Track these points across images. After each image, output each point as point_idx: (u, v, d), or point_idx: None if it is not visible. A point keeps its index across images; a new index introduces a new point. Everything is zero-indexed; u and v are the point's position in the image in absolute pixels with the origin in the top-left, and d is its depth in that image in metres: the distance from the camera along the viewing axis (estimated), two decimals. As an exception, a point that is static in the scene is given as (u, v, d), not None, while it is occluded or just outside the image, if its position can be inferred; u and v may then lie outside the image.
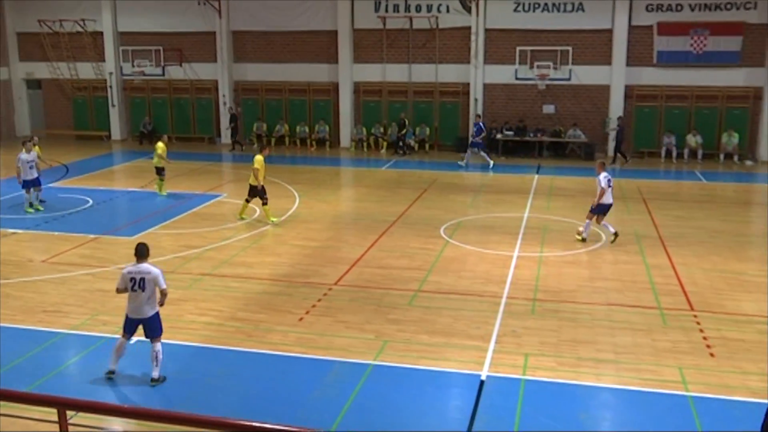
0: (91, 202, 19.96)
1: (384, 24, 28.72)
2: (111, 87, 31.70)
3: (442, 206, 19.49)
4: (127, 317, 9.59)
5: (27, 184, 18.75)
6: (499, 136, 27.66)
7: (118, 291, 9.62)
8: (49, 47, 32.05)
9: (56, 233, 16.79)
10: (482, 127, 25.33)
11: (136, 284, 9.41)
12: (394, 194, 21.07)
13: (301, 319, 11.66)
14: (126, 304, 9.63)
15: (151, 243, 15.62)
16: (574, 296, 12.68)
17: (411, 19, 28.48)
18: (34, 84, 33.55)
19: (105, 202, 20.17)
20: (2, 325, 11.36)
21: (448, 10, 28.15)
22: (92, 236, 16.53)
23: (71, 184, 22.38)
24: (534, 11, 27.35)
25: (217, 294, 12.79)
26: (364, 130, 29.37)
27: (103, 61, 31.73)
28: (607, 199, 15.62)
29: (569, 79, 27.29)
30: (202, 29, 30.48)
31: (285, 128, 30.20)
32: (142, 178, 23.22)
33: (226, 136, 30.65)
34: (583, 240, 15.90)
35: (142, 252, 9.50)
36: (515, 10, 27.48)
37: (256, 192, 17.52)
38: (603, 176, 15.56)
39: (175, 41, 30.93)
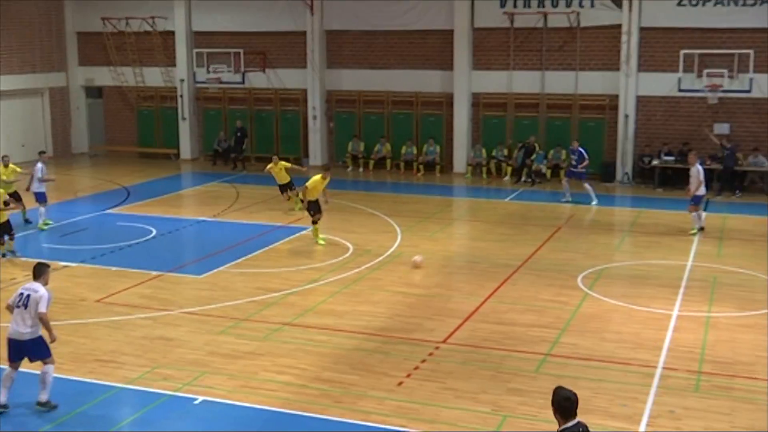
0: (154, 232, 20.81)
1: (511, 22, 28.85)
2: (182, 96, 33.09)
3: (581, 249, 19.22)
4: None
5: (41, 198, 21.27)
6: (655, 162, 27.10)
7: (8, 308, 10.95)
8: (112, 49, 33.84)
9: (113, 268, 17.57)
10: (583, 153, 24.94)
11: (21, 300, 10.79)
12: (519, 232, 20.95)
13: (400, 383, 11.72)
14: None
15: (222, 284, 16.35)
16: (753, 370, 12.20)
17: (545, 15, 28.48)
18: (94, 92, 35.43)
19: (171, 233, 20.98)
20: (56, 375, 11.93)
21: (592, 5, 27.99)
22: (154, 273, 17.20)
23: (132, 211, 23.39)
24: (704, 5, 26.83)
25: (298, 348, 13.03)
26: (484, 152, 29.41)
27: (174, 65, 33.21)
28: (702, 190, 20.57)
29: (749, 91, 26.50)
30: (290, 29, 31.47)
31: (386, 148, 30.64)
32: (214, 206, 24.03)
33: (315, 157, 31.36)
34: (701, 229, 20.53)
35: (39, 272, 10.97)
36: (679, 3, 27.03)
37: (315, 206, 19.41)
38: (698, 167, 20.55)
39: (258, 43, 32.05)
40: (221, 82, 31.90)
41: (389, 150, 30.64)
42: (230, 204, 24.40)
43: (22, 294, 10.83)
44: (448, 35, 29.64)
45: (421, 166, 29.92)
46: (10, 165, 21.28)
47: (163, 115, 33.94)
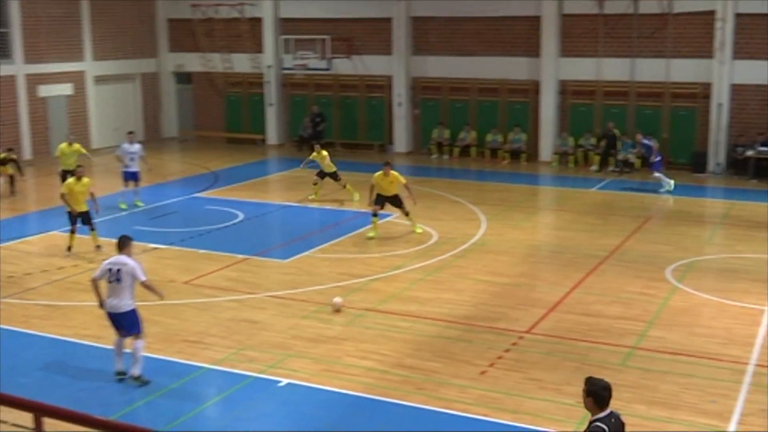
0: (241, 216, 21.15)
1: (601, 8, 28.33)
2: (268, 82, 33.49)
3: (670, 241, 18.81)
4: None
5: (127, 176, 22.07)
6: (749, 153, 26.31)
7: (93, 281, 11.35)
8: (201, 36, 34.43)
9: (201, 251, 17.93)
10: (649, 145, 24.76)
11: (112, 275, 11.14)
12: (606, 223, 20.62)
13: (483, 372, 11.67)
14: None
15: (307, 268, 16.53)
16: None
17: (636, 1, 27.87)
18: (183, 78, 36.12)
19: (257, 217, 21.29)
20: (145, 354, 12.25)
21: (686, -10, 27.29)
22: (241, 257, 17.50)
23: (219, 195, 23.82)
24: (806, -11, 25.89)
25: (381, 334, 13.09)
26: (571, 140, 29.00)
27: (261, 52, 33.63)
28: None
29: None
30: (376, 15, 31.52)
31: (471, 136, 30.48)
32: (299, 191, 24.28)
33: (400, 144, 31.42)
34: None
35: (123, 244, 11.40)
36: (778, -12, 26.15)
37: (380, 200, 19.09)
38: None
39: (344, 29, 32.19)
40: (307, 69, 32.17)
41: (474, 137, 30.46)
42: (316, 189, 24.61)
43: (111, 269, 11.20)
44: (535, 21, 29.26)
45: (506, 154, 29.67)
46: (75, 145, 22.27)
47: (250, 101, 34.40)
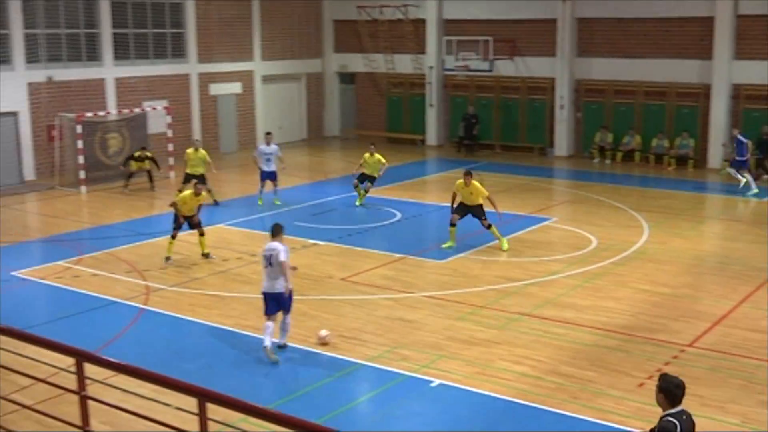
0: (399, 216, 21.37)
1: (781, 8, 26.93)
2: (430, 83, 33.68)
3: None
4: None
5: (263, 176, 22.32)
6: None
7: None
8: (366, 36, 35.01)
9: (359, 249, 18.23)
10: (743, 141, 24.21)
11: (266, 261, 12.16)
12: (779, 235, 19.57)
13: (641, 384, 11.32)
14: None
15: (462, 270, 16.52)
16: None
17: (821, 1, 26.33)
18: (347, 78, 36.85)
19: (415, 217, 21.45)
20: (296, 346, 12.60)
21: None
22: (398, 256, 17.67)
23: (379, 194, 24.12)
24: None
25: (536, 340, 12.92)
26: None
27: (424, 53, 33.85)
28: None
29: None
30: (540, 16, 31.13)
31: (636, 140, 29.62)
32: (457, 192, 24.27)
33: (560, 147, 30.95)
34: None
35: (277, 231, 12.42)
36: None
37: (460, 209, 18.26)
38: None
39: (508, 31, 31.96)
40: (469, 70, 32.17)
41: (639, 142, 29.59)
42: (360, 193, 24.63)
43: (265, 255, 12.24)
44: (707, 22, 28.11)
45: (672, 160, 28.66)
46: (200, 150, 22.38)
47: (411, 102, 34.70)
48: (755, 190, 23.79)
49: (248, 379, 11.50)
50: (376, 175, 22.75)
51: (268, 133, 23.36)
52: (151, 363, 11.03)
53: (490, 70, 32.06)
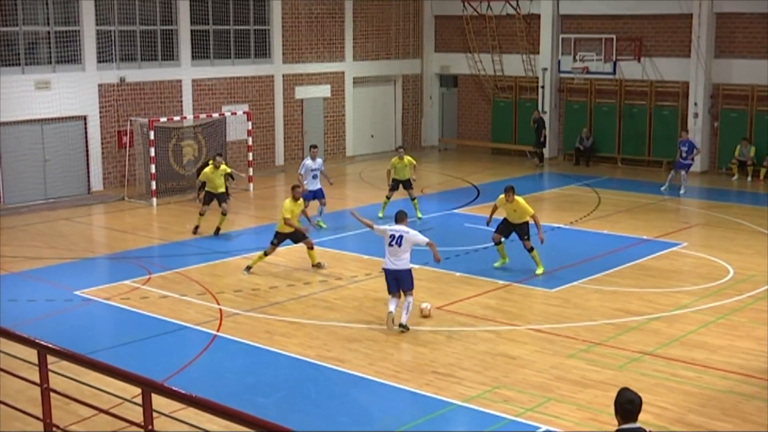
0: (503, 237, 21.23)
1: None
2: (543, 87, 33.50)
3: None
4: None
5: (307, 196, 21.23)
6: None
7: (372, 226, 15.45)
8: (471, 34, 35.04)
9: (458, 274, 18.22)
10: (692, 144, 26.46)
11: (394, 240, 14.66)
12: None
13: (783, 439, 10.99)
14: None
15: (576, 301, 16.37)
16: None
17: None
18: (448, 81, 36.96)
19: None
20: (384, 381, 12.66)
21: None
22: (501, 282, 17.60)
23: (481, 212, 23.98)
24: None
25: (660, 384, 12.67)
26: None
27: (537, 53, 33.72)
28: None
29: None
30: (672, 11, 30.66)
31: (783, 155, 28.89)
32: (572, 212, 24.10)
33: (695, 163, 30.34)
34: None
35: (402, 217, 14.93)
36: None
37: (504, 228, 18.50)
38: None
39: (634, 28, 31.58)
40: (588, 72, 31.89)
41: (787, 157, 28.87)
42: (590, 210, 24.30)
43: (393, 235, 14.69)
44: None
45: (826, 178, 27.85)
46: (222, 166, 22.01)
47: (521, 108, 34.55)
48: None
49: (330, 417, 11.59)
50: (409, 177, 23.23)
51: (314, 147, 22.98)
52: (223, 395, 11.26)
53: (612, 73, 31.74)
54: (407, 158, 23.25)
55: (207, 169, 22.16)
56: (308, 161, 22.31)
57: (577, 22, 32.76)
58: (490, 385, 12.61)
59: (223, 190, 21.69)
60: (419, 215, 23.02)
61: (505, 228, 18.52)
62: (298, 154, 31.83)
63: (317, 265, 18.58)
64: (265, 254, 18.35)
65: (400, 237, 14.63)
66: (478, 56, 35.16)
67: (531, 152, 33.32)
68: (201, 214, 21.59)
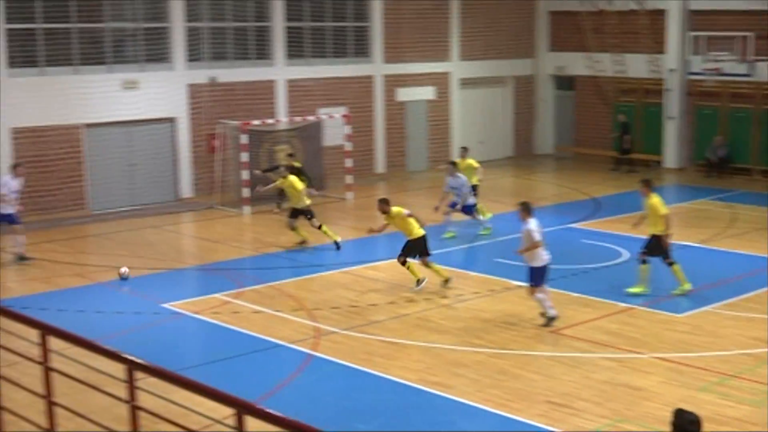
0: (625, 255, 20.93)
1: None
2: (670, 90, 32.99)
3: None
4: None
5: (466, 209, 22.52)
6: None
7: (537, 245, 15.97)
8: (589, 32, 34.68)
9: (574, 294, 17.98)
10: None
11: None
12: None
13: None
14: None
15: (708, 327, 16.04)
16: None
17: None
18: (564, 83, 36.65)
19: (645, 257, 20.96)
20: (494, 411, 12.55)
21: None
22: (623, 305, 17.31)
23: (600, 227, 23.81)
24: None
25: (805, 422, 12.27)
26: None
27: (663, 52, 33.22)
28: None
29: None
30: (819, 6, 29.96)
31: None
32: (703, 228, 23.67)
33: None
34: None
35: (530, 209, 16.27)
36: None
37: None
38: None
39: (774, 24, 30.93)
40: (721, 74, 31.32)
41: None
42: (724, 227, 23.80)
43: (542, 232, 15.96)
44: None
45: None
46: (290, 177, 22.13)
47: (645, 113, 34.09)
48: None
49: (435, 448, 11.54)
50: (474, 182, 23.29)
51: (452, 163, 23.38)
52: (319, 420, 11.31)
53: (748, 75, 31.09)
54: (469, 160, 23.99)
55: (281, 181, 22.51)
56: (450, 179, 22.68)
57: (709, 18, 32.15)
58: (610, 418, 12.39)
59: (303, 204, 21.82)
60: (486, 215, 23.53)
61: (655, 245, 17.97)
62: (400, 160, 31.95)
63: (446, 281, 18.50)
64: (403, 263, 18.44)
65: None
66: (597, 56, 34.78)
67: (618, 162, 33.09)
68: (292, 229, 21.93)
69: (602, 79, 35.02)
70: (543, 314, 16.08)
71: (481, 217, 22.99)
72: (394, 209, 18.44)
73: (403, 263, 18.36)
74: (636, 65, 34.12)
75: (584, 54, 35.22)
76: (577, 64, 35.72)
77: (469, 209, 22.70)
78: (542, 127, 36.99)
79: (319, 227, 21.55)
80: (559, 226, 23.87)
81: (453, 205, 22.56)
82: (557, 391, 13.30)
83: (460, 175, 22.61)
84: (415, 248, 18.35)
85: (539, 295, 16.01)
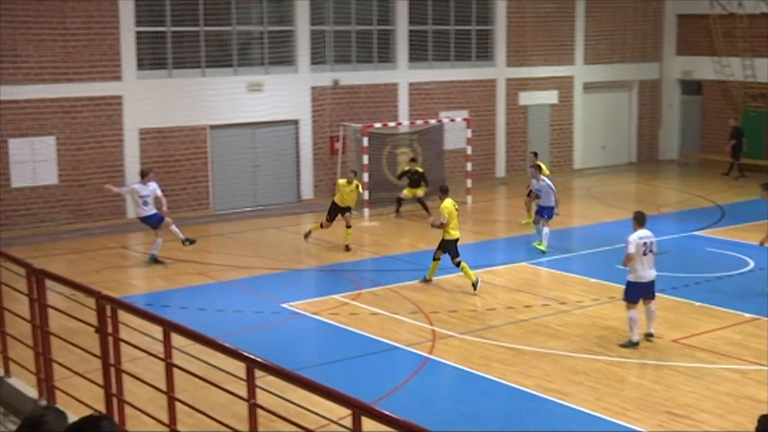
0: (752, 264, 20.44)
1: None
2: (801, 96, 32.12)
3: None
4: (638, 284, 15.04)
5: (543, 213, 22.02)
6: None
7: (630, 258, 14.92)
8: (718, 35, 33.94)
9: (697, 303, 17.63)
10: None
11: (647, 248, 14.95)
12: None
13: None
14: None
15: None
16: None
17: None
18: (691, 87, 35.94)
19: (772, 266, 20.44)
20: (612, 420, 12.39)
21: None
22: (748, 316, 16.89)
23: (726, 235, 23.27)
24: None
25: None
26: None
27: (796, 56, 32.34)
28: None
29: None
30: None
31: None
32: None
33: None
34: None
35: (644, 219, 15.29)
36: None
37: None
38: None
39: None
40: None
41: None
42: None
43: (645, 243, 14.93)
44: None
45: None
46: (355, 182, 22.46)
47: (775, 119, 33.23)
48: None
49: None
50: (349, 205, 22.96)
51: (538, 166, 23.05)
52: (435, 423, 11.34)
53: None
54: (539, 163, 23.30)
55: (341, 181, 22.75)
56: (536, 181, 22.52)
57: None
58: (732, 430, 12.12)
59: (350, 205, 22.38)
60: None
61: None
62: (521, 165, 31.75)
63: (474, 285, 18.40)
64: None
65: (652, 242, 15.09)
66: (726, 60, 34.02)
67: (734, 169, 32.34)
68: (321, 227, 22.41)
69: (731, 83, 34.23)
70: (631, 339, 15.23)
71: (545, 230, 21.63)
72: (448, 200, 18.65)
73: (458, 264, 18.45)
74: (766, 70, 33.25)
75: (712, 58, 34.49)
76: (704, 68, 34.98)
77: (541, 212, 21.86)
78: (667, 133, 36.32)
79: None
80: (682, 234, 23.45)
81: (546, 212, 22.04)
82: (677, 402, 13.07)
83: (545, 178, 22.24)
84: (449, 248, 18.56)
85: (631, 314, 15.07)
